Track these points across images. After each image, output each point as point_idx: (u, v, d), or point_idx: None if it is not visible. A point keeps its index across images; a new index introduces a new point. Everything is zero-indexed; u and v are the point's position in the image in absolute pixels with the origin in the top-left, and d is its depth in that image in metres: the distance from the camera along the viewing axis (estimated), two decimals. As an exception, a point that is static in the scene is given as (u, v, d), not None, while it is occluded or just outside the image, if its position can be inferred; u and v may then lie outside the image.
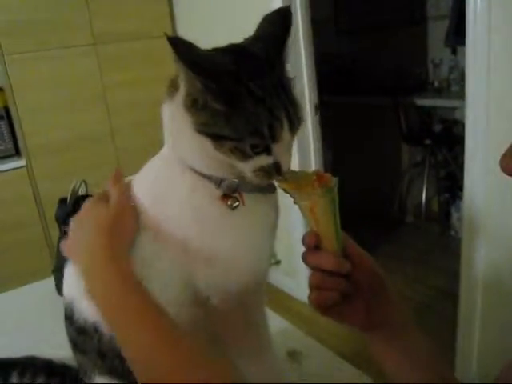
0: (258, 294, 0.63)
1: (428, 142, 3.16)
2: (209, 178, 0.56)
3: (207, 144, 0.52)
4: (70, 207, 1.05)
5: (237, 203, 0.56)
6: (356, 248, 0.56)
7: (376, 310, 0.55)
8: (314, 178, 0.53)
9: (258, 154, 0.51)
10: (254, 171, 0.53)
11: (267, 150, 0.51)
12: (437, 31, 3.36)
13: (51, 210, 1.50)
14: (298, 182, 0.53)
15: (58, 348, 0.72)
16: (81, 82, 2.72)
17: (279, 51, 0.53)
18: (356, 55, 3.93)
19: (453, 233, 3.15)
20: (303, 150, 2.49)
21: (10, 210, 2.54)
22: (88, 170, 2.41)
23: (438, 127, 3.27)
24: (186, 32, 2.98)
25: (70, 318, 0.62)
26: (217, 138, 0.51)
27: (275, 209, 0.62)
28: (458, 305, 1.87)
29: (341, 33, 4.08)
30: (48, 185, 2.60)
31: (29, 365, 0.79)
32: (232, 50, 0.54)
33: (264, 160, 0.52)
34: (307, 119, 2.46)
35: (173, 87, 0.55)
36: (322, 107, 2.63)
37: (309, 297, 0.52)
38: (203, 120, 0.51)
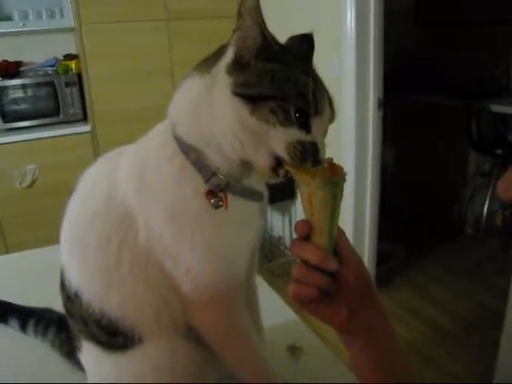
0: (235, 292, 0.60)
1: (499, 151, 2.95)
2: (199, 169, 0.55)
3: (243, 109, 0.50)
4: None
5: (220, 203, 0.55)
6: (349, 248, 0.53)
7: (358, 316, 0.52)
8: (325, 166, 0.50)
9: (298, 121, 0.50)
10: (289, 146, 0.50)
11: (307, 127, 0.51)
12: (527, 33, 3.11)
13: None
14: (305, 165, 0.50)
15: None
16: (150, 55, 2.80)
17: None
18: (433, 51, 3.73)
19: (514, 251, 2.95)
20: (361, 143, 2.42)
21: (71, 172, 2.67)
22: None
23: (512, 137, 3.05)
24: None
25: (62, 282, 0.64)
26: (256, 100, 0.50)
27: (259, 218, 0.60)
28: (502, 325, 1.76)
29: (420, 26, 3.89)
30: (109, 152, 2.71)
31: (43, 317, 0.83)
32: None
33: (303, 135, 0.50)
34: (369, 113, 2.38)
35: (211, 61, 0.55)
36: (390, 103, 2.52)
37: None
38: (246, 79, 0.50)
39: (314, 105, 0.50)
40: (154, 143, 0.59)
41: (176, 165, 0.56)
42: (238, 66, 0.51)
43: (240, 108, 0.50)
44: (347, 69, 2.32)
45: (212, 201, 0.54)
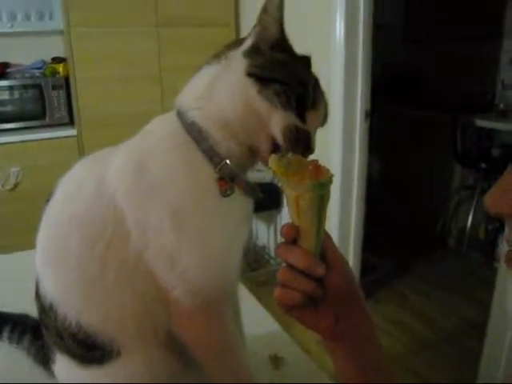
0: (226, 296, 0.58)
1: (483, 165, 3.00)
2: (211, 157, 0.54)
3: (252, 88, 0.53)
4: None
5: (229, 192, 0.54)
6: (336, 252, 0.52)
7: (344, 321, 0.51)
8: (310, 167, 0.49)
9: (297, 109, 0.53)
10: (285, 128, 0.53)
11: (302, 117, 0.54)
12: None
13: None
14: (290, 168, 0.49)
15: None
16: (139, 61, 2.78)
17: None
18: (420, 66, 3.79)
19: (496, 265, 2.98)
20: (348, 153, 2.42)
21: (55, 176, 2.63)
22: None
23: (496, 152, 3.09)
24: (250, 25, 2.97)
25: (36, 292, 0.61)
26: (265, 81, 0.53)
27: (251, 215, 0.60)
28: (484, 338, 1.77)
29: (408, 41, 3.95)
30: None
31: (20, 323, 0.80)
32: None
33: (299, 122, 0.54)
34: (356, 124, 2.40)
35: (227, 51, 0.58)
36: (377, 114, 2.54)
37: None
38: (259, 63, 0.55)
39: (312, 98, 0.55)
40: (159, 134, 0.58)
41: (184, 153, 0.55)
42: (254, 52, 0.56)
43: (250, 86, 0.54)
44: (336, 80, 2.33)
45: (224, 187, 0.54)
